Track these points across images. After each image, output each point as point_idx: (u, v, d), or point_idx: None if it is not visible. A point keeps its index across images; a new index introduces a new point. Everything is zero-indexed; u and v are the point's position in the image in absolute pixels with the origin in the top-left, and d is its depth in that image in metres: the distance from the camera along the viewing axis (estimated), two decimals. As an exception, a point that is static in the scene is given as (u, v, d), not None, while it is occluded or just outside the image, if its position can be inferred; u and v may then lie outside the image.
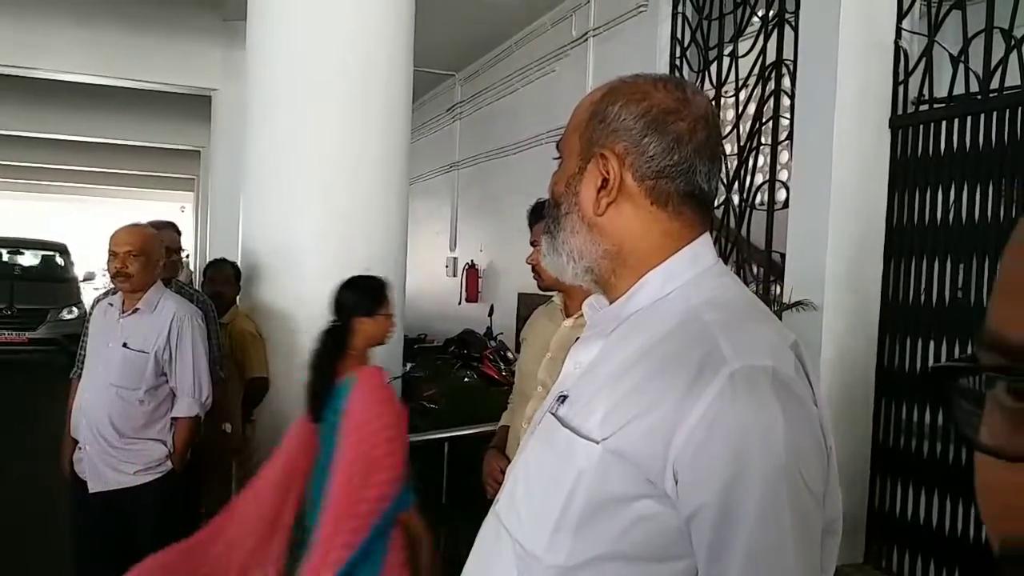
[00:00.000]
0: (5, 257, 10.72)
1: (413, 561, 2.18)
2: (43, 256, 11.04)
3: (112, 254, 2.64)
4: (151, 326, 2.66)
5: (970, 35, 3.06)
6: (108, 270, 2.70)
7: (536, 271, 1.97)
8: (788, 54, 3.83)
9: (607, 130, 0.89)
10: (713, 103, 1.49)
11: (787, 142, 3.80)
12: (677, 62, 4.91)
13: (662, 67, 4.91)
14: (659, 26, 5.10)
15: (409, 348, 5.62)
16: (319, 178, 3.38)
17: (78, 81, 8.34)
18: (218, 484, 3.40)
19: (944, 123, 3.15)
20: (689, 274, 0.88)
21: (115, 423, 2.61)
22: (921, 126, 3.24)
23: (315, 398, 2.26)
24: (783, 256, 3.64)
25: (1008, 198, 2.89)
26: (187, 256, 10.67)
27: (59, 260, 10.82)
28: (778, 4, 3.98)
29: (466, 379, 5.84)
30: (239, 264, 3.63)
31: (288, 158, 3.41)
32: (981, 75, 3.01)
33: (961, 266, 3.04)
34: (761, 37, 4.11)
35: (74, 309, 9.30)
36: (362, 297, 2.28)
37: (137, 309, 2.67)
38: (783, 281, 3.58)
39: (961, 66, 3.09)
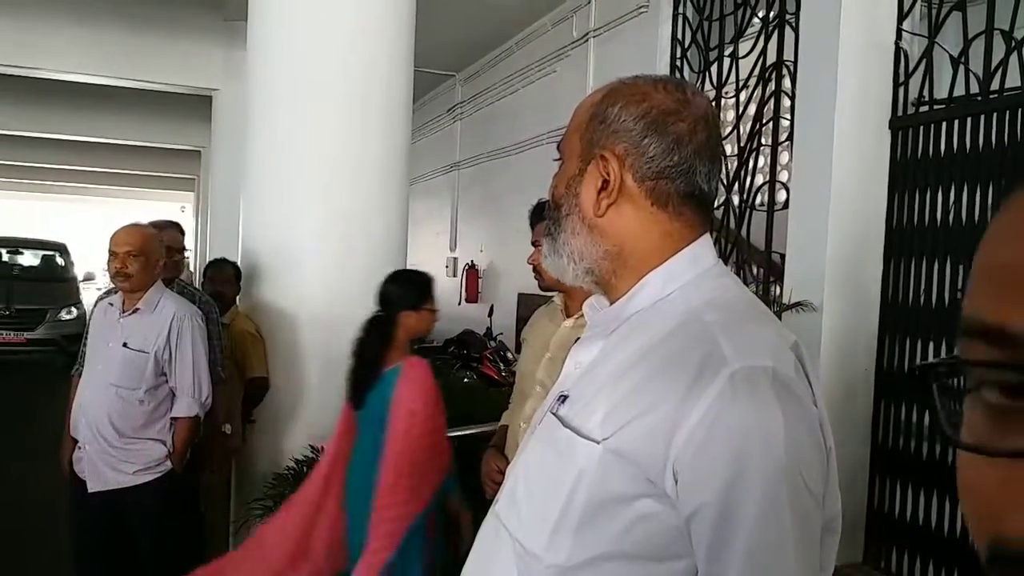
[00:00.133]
0: (4, 257, 10.67)
1: (454, 537, 2.27)
2: (43, 256, 11.00)
3: (112, 254, 2.65)
4: (151, 326, 2.66)
5: (970, 36, 3.06)
6: (108, 270, 2.71)
7: (537, 271, 1.97)
8: (788, 55, 3.83)
9: (607, 131, 0.89)
10: (713, 104, 1.50)
11: (787, 143, 3.81)
12: (678, 63, 4.92)
13: (663, 68, 4.91)
14: (660, 27, 5.11)
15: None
16: (319, 178, 3.38)
17: (78, 81, 8.32)
18: (218, 484, 3.40)
19: (944, 124, 3.15)
20: (689, 275, 0.88)
21: (115, 423, 2.61)
22: (921, 127, 3.24)
23: (357, 386, 2.32)
24: (783, 257, 3.64)
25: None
26: (187, 256, 10.65)
27: (59, 260, 10.76)
28: (778, 5, 3.98)
29: (466, 379, 5.83)
30: (239, 264, 3.63)
31: (288, 158, 3.40)
32: (981, 76, 3.01)
33: (961, 267, 3.04)
34: (761, 38, 4.11)
35: (73, 309, 9.25)
36: (407, 291, 2.36)
37: (137, 309, 2.67)
38: (783, 282, 3.58)
39: (961, 67, 3.09)
